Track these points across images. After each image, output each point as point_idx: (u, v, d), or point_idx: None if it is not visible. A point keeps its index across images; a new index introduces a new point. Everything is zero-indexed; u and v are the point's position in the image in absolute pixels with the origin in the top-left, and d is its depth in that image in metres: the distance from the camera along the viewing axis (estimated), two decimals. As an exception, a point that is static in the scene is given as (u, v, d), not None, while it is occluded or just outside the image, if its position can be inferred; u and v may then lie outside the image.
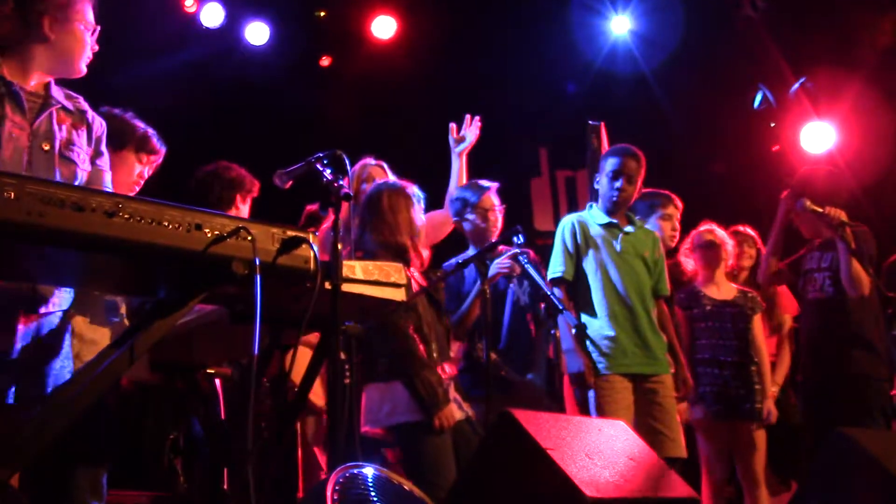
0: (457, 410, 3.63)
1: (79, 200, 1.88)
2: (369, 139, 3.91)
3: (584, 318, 4.12)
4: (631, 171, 4.21)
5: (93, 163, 2.60)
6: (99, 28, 2.61)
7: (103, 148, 2.65)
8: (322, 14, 6.68)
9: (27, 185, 1.83)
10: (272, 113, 6.46)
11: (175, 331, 2.28)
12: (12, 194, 1.80)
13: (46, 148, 2.44)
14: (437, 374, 3.58)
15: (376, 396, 3.58)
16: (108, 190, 2.58)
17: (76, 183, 2.48)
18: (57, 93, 2.59)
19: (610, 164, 4.23)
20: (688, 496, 2.79)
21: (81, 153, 2.55)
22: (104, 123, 2.69)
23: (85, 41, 2.56)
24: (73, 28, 2.54)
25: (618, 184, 4.19)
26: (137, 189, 3.20)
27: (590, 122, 5.75)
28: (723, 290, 4.89)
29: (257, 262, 2.06)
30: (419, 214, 3.82)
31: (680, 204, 4.77)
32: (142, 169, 3.20)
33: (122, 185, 3.08)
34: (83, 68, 2.60)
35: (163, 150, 3.24)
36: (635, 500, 2.55)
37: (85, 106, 2.66)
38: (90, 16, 2.58)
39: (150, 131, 3.20)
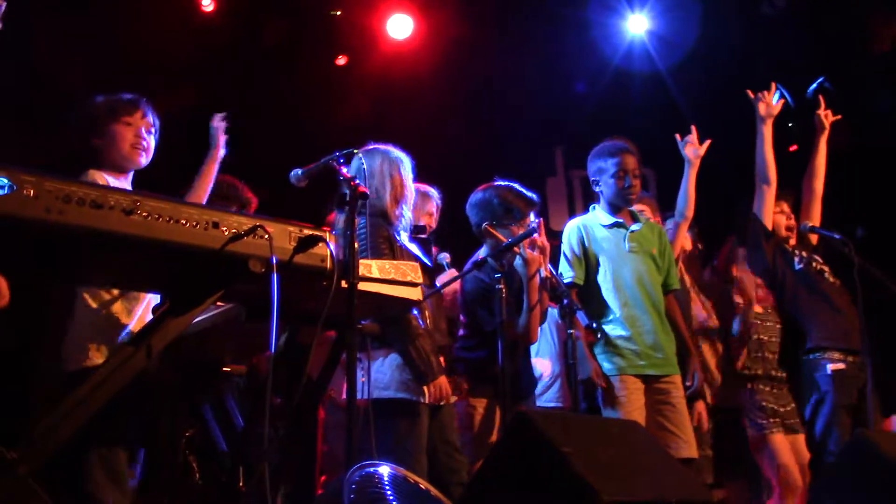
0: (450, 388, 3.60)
1: (97, 198, 1.89)
2: (385, 138, 3.90)
3: (597, 318, 4.09)
4: (633, 166, 4.18)
5: None
6: None
7: None
8: (338, 13, 6.68)
9: (46, 183, 1.84)
10: (289, 112, 6.47)
11: (192, 328, 2.29)
12: (32, 192, 1.81)
13: None
14: (431, 343, 3.55)
15: (364, 366, 3.52)
16: None
17: None
18: None
19: (610, 164, 4.18)
20: (703, 498, 2.77)
21: None
22: None
23: None
24: None
25: (626, 183, 4.16)
26: None
27: None
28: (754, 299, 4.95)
29: (274, 261, 2.06)
30: (407, 178, 3.75)
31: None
32: None
33: None
34: None
35: None
36: (650, 501, 2.54)
37: None
38: None
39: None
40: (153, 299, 3.07)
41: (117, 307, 2.94)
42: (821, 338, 4.58)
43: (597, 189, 4.28)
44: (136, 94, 3.20)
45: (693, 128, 4.56)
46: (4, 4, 2.62)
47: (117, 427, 2.81)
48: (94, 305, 2.91)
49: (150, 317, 3.04)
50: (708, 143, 4.55)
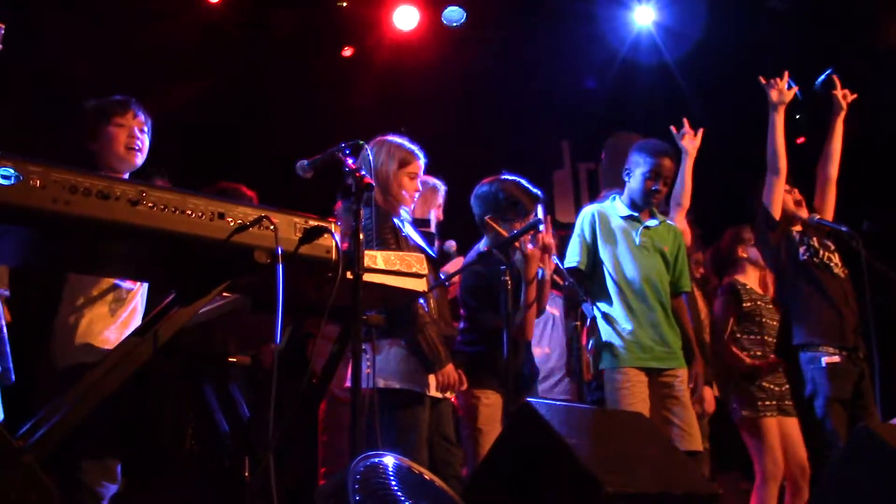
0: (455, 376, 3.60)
1: (104, 189, 1.89)
2: (391, 130, 3.89)
3: (601, 310, 4.11)
4: (668, 172, 4.21)
5: None
6: None
7: None
8: (344, 4, 6.68)
9: (52, 173, 1.84)
10: (294, 103, 6.47)
11: (197, 319, 2.30)
12: (38, 182, 1.81)
13: None
14: (438, 331, 3.54)
15: (368, 355, 3.50)
16: None
17: None
18: None
19: (646, 162, 4.18)
20: (708, 491, 2.77)
21: None
22: None
23: None
24: None
25: (655, 186, 4.18)
26: None
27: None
28: (758, 285, 4.92)
29: (280, 252, 2.07)
30: (414, 170, 3.72)
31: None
32: None
33: None
34: None
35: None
36: (654, 493, 2.54)
37: None
38: None
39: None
40: (139, 302, 3.09)
41: (103, 308, 2.96)
42: (814, 333, 4.55)
43: (626, 178, 4.29)
44: (131, 91, 3.22)
45: (685, 120, 4.57)
46: (3, 27, 2.65)
47: (106, 437, 2.85)
48: (78, 305, 2.93)
49: (137, 318, 3.06)
50: (701, 131, 4.57)
